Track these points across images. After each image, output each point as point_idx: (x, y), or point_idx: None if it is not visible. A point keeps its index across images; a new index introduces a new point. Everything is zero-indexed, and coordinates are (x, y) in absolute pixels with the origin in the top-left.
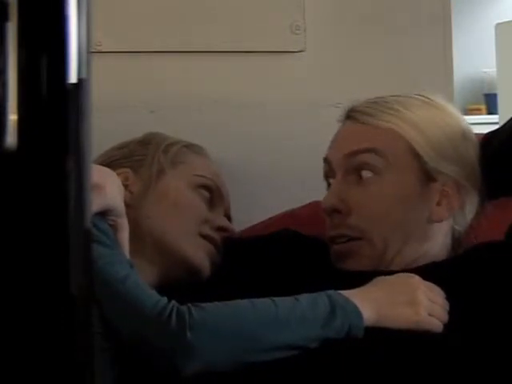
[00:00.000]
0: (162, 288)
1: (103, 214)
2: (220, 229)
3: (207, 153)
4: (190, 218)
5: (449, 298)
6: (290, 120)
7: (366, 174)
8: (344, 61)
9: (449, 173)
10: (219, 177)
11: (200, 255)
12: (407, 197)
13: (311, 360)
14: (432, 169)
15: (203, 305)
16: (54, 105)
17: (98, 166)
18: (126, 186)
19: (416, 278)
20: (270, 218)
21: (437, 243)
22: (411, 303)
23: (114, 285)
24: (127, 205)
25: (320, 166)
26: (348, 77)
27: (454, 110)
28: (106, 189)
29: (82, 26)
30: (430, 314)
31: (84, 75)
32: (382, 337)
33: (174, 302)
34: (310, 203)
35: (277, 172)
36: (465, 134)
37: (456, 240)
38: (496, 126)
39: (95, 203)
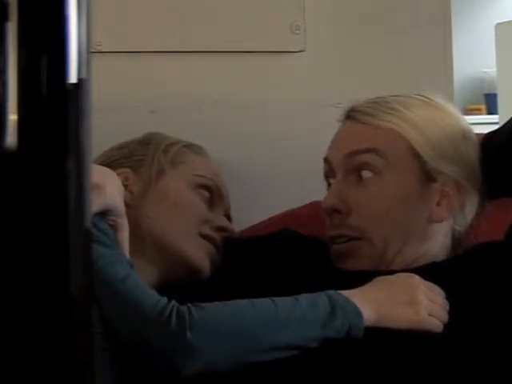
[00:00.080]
0: (162, 288)
1: (103, 214)
2: (220, 229)
3: (207, 153)
4: (190, 218)
5: (449, 297)
6: (290, 120)
7: (366, 174)
8: (344, 61)
9: (449, 173)
10: (219, 177)
11: (200, 255)
12: (407, 197)
13: (311, 360)
14: (432, 169)
15: (203, 305)
16: (54, 105)
17: (98, 166)
18: (125, 186)
19: (416, 278)
20: (270, 218)
21: (437, 243)
22: (411, 303)
23: (114, 285)
24: (127, 205)
25: (320, 166)
26: (348, 77)
27: (454, 110)
28: (106, 189)
29: (82, 25)
30: (430, 314)
31: (84, 75)
32: (382, 337)
33: (173, 302)
34: (310, 203)
35: (277, 172)
36: (465, 134)
37: (456, 240)
38: (496, 126)
39: (95, 203)
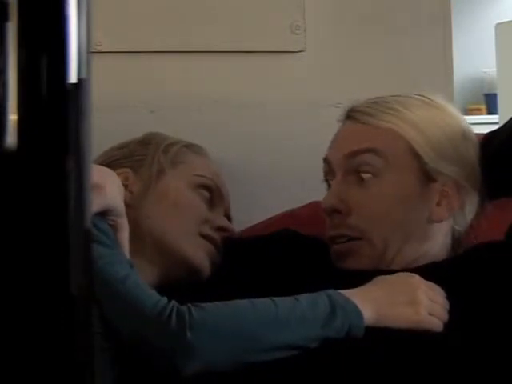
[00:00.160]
0: (162, 288)
1: (103, 214)
2: (220, 229)
3: (207, 153)
4: (190, 218)
5: (449, 297)
6: (290, 120)
7: (365, 174)
8: (344, 61)
9: (449, 173)
10: (219, 177)
11: (200, 255)
12: (407, 197)
13: (311, 360)
14: (432, 169)
15: (203, 305)
16: (54, 105)
17: (98, 166)
18: (125, 186)
19: (416, 278)
20: (270, 218)
21: (437, 243)
22: (411, 303)
23: (114, 285)
24: (127, 205)
25: (320, 166)
26: (348, 77)
27: (454, 110)
28: (106, 189)
29: (82, 26)
30: (430, 314)
31: (84, 75)
32: (382, 336)
33: (173, 302)
34: (309, 203)
35: (277, 172)
36: (465, 134)
37: (456, 240)
38: (496, 126)
39: (95, 203)
